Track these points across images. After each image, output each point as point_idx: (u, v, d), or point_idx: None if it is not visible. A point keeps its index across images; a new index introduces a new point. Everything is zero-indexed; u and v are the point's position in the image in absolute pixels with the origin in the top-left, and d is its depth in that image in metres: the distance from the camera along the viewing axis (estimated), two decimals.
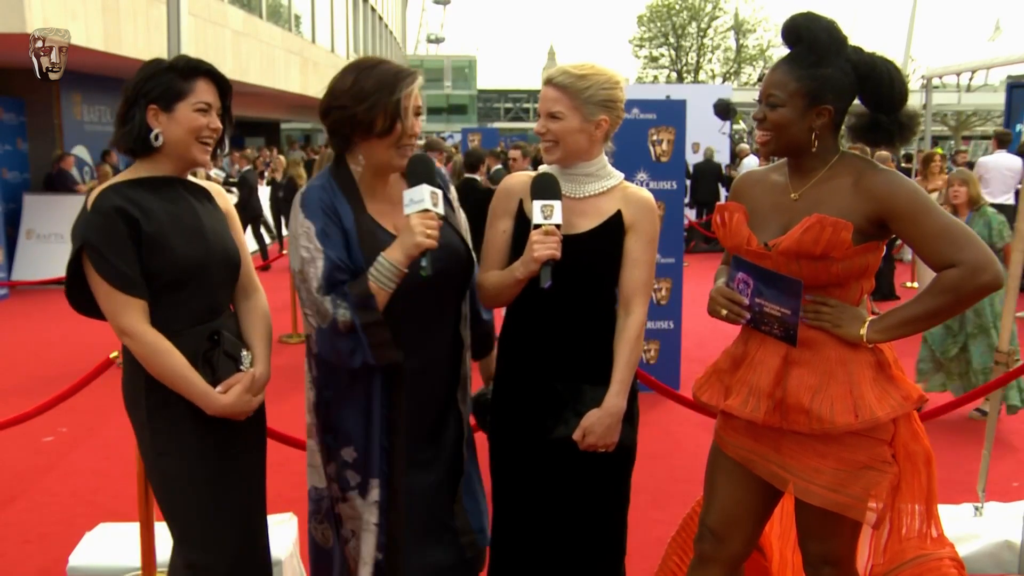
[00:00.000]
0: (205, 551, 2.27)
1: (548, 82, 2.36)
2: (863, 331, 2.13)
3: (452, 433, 2.42)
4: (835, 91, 2.12)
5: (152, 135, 2.26)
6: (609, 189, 2.40)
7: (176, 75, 2.26)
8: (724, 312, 2.29)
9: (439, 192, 2.22)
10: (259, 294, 2.50)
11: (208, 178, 2.84)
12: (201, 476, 2.26)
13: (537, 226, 2.25)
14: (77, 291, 2.25)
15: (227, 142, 2.45)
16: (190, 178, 2.41)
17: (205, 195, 2.41)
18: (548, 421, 2.33)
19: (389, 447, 2.28)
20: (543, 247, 2.22)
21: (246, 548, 2.36)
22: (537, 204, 2.26)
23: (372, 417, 2.28)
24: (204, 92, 2.28)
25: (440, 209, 2.20)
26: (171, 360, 2.20)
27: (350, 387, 2.28)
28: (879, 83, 2.13)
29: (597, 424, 2.29)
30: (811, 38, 2.12)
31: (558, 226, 2.25)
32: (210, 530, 2.27)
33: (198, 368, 2.23)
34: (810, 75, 2.11)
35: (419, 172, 2.23)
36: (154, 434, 2.27)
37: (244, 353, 2.33)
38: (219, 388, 2.24)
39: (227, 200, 2.51)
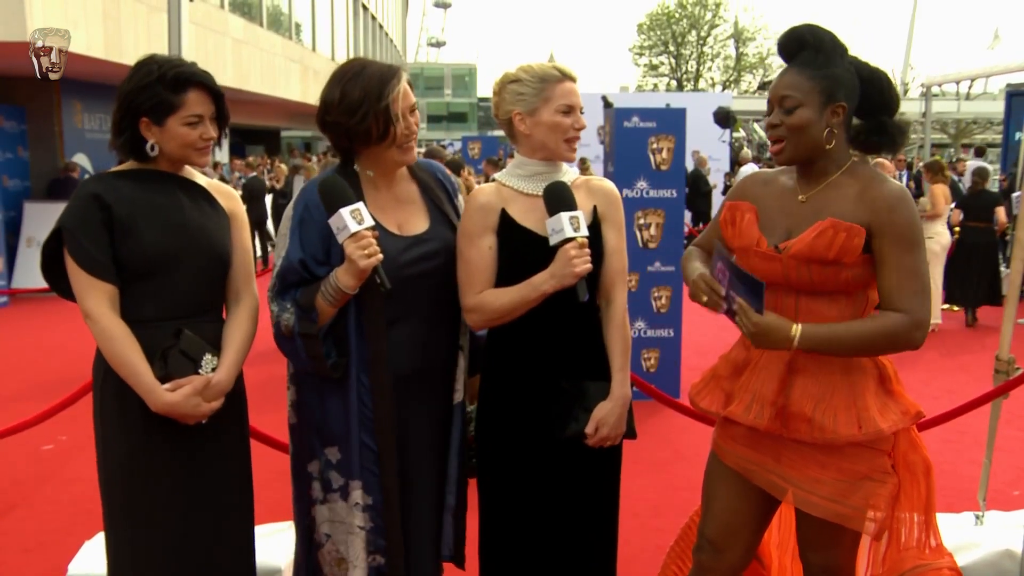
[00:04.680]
0: (134, 545, 2.23)
1: (572, 79, 2.36)
2: (793, 332, 2.06)
3: (446, 440, 2.42)
4: (846, 89, 2.14)
5: (148, 146, 2.26)
6: (573, 184, 2.38)
7: (165, 88, 2.21)
8: (704, 299, 2.26)
9: (358, 207, 2.14)
10: (249, 300, 2.41)
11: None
12: (145, 475, 2.22)
13: (566, 240, 2.21)
14: (55, 272, 2.28)
15: (223, 142, 2.42)
16: (192, 175, 2.39)
17: (202, 193, 2.37)
18: (556, 419, 2.32)
19: (375, 448, 2.27)
20: (583, 261, 2.21)
21: (192, 554, 2.28)
22: (564, 216, 2.22)
23: (350, 415, 2.27)
24: (195, 104, 2.25)
25: (368, 221, 2.13)
26: (122, 347, 2.18)
27: (329, 384, 2.28)
28: (881, 84, 2.18)
29: (610, 414, 2.30)
30: (816, 41, 2.15)
31: (587, 237, 2.24)
32: (141, 529, 2.23)
33: (153, 363, 2.19)
34: (822, 74, 2.13)
35: (333, 199, 2.15)
36: (104, 423, 2.27)
37: (208, 357, 2.26)
38: (167, 385, 2.18)
39: (235, 202, 2.46)
